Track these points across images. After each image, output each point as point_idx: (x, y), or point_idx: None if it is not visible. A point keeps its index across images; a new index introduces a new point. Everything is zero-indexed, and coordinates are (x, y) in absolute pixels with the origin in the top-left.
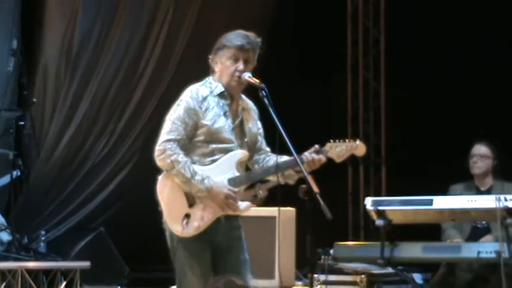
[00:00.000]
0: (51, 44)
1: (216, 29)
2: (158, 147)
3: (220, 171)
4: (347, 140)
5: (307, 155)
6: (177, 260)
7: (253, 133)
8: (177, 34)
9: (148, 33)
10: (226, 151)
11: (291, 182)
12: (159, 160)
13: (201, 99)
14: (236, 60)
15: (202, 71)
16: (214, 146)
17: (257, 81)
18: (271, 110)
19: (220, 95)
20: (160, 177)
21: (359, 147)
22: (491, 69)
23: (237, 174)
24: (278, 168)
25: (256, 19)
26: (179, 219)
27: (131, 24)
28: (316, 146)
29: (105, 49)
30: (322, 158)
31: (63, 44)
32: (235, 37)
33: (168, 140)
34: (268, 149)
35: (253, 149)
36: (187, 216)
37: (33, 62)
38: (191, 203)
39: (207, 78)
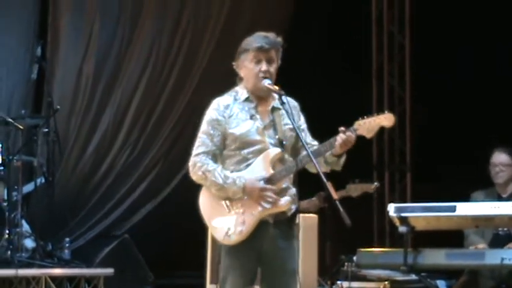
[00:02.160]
0: (72, 52)
1: (239, 35)
2: (189, 164)
3: (254, 174)
4: (375, 114)
5: (337, 138)
6: (222, 264)
7: (288, 129)
8: (200, 42)
9: (171, 41)
10: (259, 153)
11: (338, 168)
12: (192, 174)
13: (223, 108)
14: (259, 62)
15: (225, 79)
16: (246, 151)
17: (276, 88)
18: (290, 117)
19: (246, 100)
20: (200, 193)
21: (387, 118)
22: (504, 75)
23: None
24: (298, 163)
25: (276, 24)
26: (221, 228)
27: (154, 31)
28: (342, 128)
29: (128, 57)
30: (351, 135)
31: (85, 52)
32: (255, 39)
33: (197, 154)
34: (315, 142)
35: (294, 145)
36: (229, 223)
37: (55, 69)
38: (230, 210)
39: (233, 89)
